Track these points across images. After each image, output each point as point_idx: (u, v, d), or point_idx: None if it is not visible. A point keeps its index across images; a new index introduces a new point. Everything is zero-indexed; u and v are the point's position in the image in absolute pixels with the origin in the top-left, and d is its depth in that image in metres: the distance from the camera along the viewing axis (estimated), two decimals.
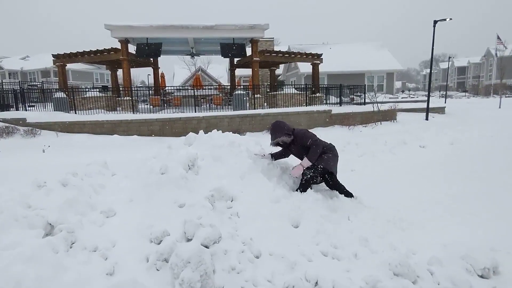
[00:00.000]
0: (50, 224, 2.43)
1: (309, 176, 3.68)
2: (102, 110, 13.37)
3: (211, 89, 18.62)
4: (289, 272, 2.33)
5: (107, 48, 14.22)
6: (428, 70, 17.24)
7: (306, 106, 14.81)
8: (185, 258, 1.96)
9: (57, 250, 2.15)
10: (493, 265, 2.47)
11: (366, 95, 16.51)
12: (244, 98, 13.94)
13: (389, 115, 14.40)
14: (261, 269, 2.34)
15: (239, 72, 26.26)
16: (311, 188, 3.74)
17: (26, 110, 13.38)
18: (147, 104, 16.58)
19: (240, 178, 3.50)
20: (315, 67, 16.81)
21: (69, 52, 14.51)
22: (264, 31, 14.06)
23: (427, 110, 15.28)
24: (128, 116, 12.00)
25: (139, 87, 18.81)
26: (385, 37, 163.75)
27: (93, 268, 2.15)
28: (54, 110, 12.90)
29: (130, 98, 13.70)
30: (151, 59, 17.72)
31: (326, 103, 16.05)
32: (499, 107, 21.15)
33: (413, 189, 4.83)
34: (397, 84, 50.86)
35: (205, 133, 4.18)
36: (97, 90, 15.04)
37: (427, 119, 14.98)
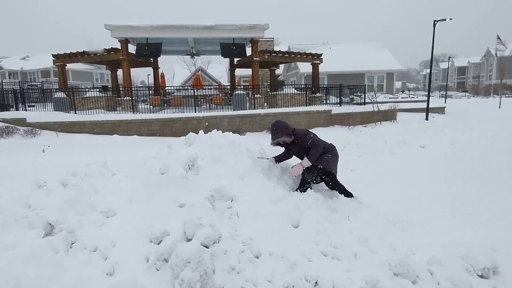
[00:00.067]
0: (50, 224, 2.43)
1: (308, 175, 3.68)
2: (102, 110, 13.37)
3: (211, 89, 18.63)
4: (289, 272, 2.33)
5: (107, 48, 14.22)
6: (428, 70, 17.25)
7: (306, 106, 14.81)
8: (185, 258, 1.96)
9: (57, 250, 2.15)
10: (493, 265, 2.47)
11: (366, 95, 16.51)
12: (244, 98, 13.94)
13: (389, 115, 14.40)
14: (261, 269, 2.34)
15: (239, 72, 26.25)
16: (311, 188, 3.74)
17: (26, 110, 13.38)
18: (147, 104, 16.59)
19: (240, 178, 3.50)
20: (315, 67, 16.81)
21: (69, 52, 14.51)
22: (264, 31, 14.06)
23: (427, 110, 15.28)
24: (128, 116, 12.01)
25: (139, 87, 18.82)
26: (385, 37, 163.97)
27: (93, 268, 2.15)
28: (54, 110, 12.90)
29: (130, 98, 13.70)
30: (151, 59, 17.72)
31: (326, 103, 16.05)
32: (499, 107, 21.15)
33: (413, 189, 4.84)
34: (397, 84, 50.86)
35: (205, 133, 4.18)
36: (97, 90, 15.04)
37: (427, 119, 14.98)
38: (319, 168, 3.71)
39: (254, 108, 13.95)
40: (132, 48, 15.10)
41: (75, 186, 2.99)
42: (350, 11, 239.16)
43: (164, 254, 2.20)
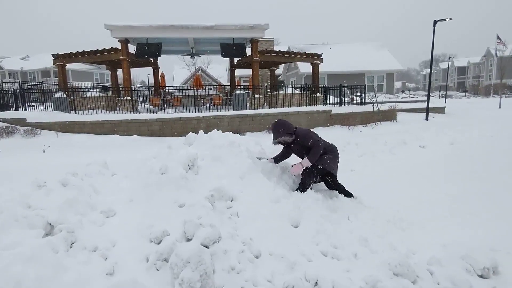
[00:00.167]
0: (50, 224, 2.43)
1: (308, 175, 3.68)
2: (102, 110, 13.37)
3: (211, 89, 18.63)
4: (289, 272, 2.33)
5: (107, 48, 14.22)
6: (428, 70, 17.25)
7: (306, 106, 14.81)
8: (185, 258, 1.96)
9: (57, 250, 2.15)
10: (493, 265, 2.47)
11: (366, 95, 16.51)
12: (244, 98, 13.94)
13: (389, 115, 14.40)
14: (261, 269, 2.34)
15: (239, 72, 26.26)
16: (311, 188, 3.74)
17: (26, 110, 13.38)
18: (147, 104, 16.58)
19: (240, 178, 3.50)
20: (315, 67, 16.81)
21: (69, 52, 14.51)
22: (264, 31, 14.06)
23: (427, 110, 15.28)
24: (128, 116, 12.00)
25: (139, 87, 18.82)
26: (385, 37, 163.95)
27: (93, 268, 2.15)
28: (54, 110, 12.90)
29: (130, 98, 13.70)
30: (151, 59, 17.72)
31: (326, 103, 16.05)
32: (499, 107, 21.15)
33: (413, 189, 4.83)
34: (397, 84, 50.86)
35: (205, 133, 4.18)
36: (97, 90, 15.04)
37: (427, 119, 14.98)
38: (319, 168, 3.71)
39: (254, 108, 13.95)
40: (132, 48, 15.10)
41: (75, 186, 2.99)
42: (350, 11, 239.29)
43: (164, 254, 2.20)
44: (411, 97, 32.41)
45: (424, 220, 3.65)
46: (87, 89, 14.79)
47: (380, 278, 2.25)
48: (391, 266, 2.36)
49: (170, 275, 2.02)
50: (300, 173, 3.76)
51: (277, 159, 4.03)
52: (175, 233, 2.42)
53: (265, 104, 14.99)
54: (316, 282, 2.20)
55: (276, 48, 30.27)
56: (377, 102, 14.84)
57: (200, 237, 2.23)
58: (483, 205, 4.04)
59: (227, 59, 23.16)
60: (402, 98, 29.37)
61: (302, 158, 3.79)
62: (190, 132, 4.23)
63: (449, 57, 46.95)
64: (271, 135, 3.94)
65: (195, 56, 20.74)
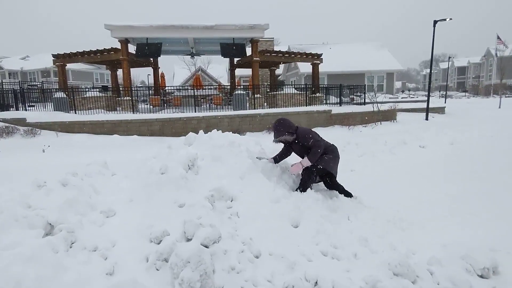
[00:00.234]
0: (50, 224, 2.43)
1: (308, 175, 3.67)
2: (102, 110, 13.37)
3: (211, 89, 18.63)
4: (289, 272, 2.33)
5: (107, 48, 14.22)
6: (428, 70, 17.25)
7: (306, 106, 14.81)
8: (184, 258, 1.96)
9: (57, 250, 2.15)
10: (493, 265, 2.47)
11: (366, 95, 16.51)
12: (244, 98, 13.94)
13: (389, 115, 14.40)
14: (261, 269, 2.34)
15: (239, 72, 26.25)
16: (311, 188, 3.74)
17: (26, 110, 13.38)
18: (147, 104, 16.58)
19: (240, 178, 3.50)
20: (315, 67, 16.81)
21: (69, 52, 14.51)
22: (264, 31, 14.06)
23: (427, 110, 15.28)
24: (128, 116, 12.01)
25: (139, 87, 18.82)
26: (385, 37, 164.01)
27: (93, 268, 2.15)
28: (54, 110, 12.90)
29: (130, 98, 13.70)
30: (151, 59, 17.72)
31: (326, 103, 16.05)
32: (499, 107, 21.15)
33: (413, 189, 4.83)
34: (397, 84, 50.86)
35: (205, 133, 4.18)
36: (97, 90, 15.04)
37: (427, 119, 14.98)
38: (319, 168, 3.70)
39: (254, 108, 13.95)
40: (132, 48, 15.10)
41: (75, 186, 2.99)
42: (350, 11, 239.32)
43: (164, 254, 2.20)
44: (411, 97, 32.42)
45: (424, 220, 3.65)
46: (87, 89, 14.79)
47: (380, 278, 2.25)
48: (391, 266, 2.36)
49: (170, 275, 2.02)
50: (300, 172, 3.76)
51: (277, 159, 4.02)
52: (175, 233, 2.42)
53: (265, 104, 14.99)
54: (316, 282, 2.20)
55: (276, 48, 30.27)
56: (377, 102, 14.85)
57: (200, 237, 2.23)
58: (483, 205, 4.04)
59: (227, 59, 23.16)
60: (402, 98, 29.38)
61: (302, 158, 3.79)
62: (190, 132, 4.23)
63: (449, 57, 46.96)
64: (272, 133, 3.93)
65: (195, 56, 20.73)
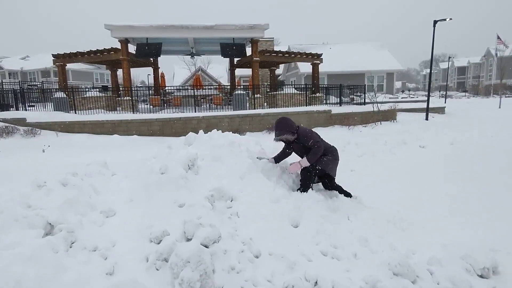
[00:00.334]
0: (50, 224, 2.43)
1: (307, 175, 3.68)
2: (102, 110, 13.37)
3: (211, 89, 18.63)
4: (288, 272, 2.33)
5: (107, 48, 14.22)
6: (428, 70, 17.25)
7: (306, 106, 14.81)
8: (184, 258, 1.96)
9: (57, 250, 2.15)
10: (493, 265, 2.47)
11: (366, 95, 16.51)
12: (244, 98, 13.94)
13: (389, 115, 14.40)
14: (260, 269, 2.34)
15: (239, 72, 26.26)
16: (312, 188, 3.74)
17: (26, 110, 13.39)
18: (147, 104, 16.59)
19: (240, 178, 3.50)
20: (315, 67, 16.81)
21: (69, 52, 14.51)
22: (264, 31, 14.06)
23: (427, 110, 15.28)
24: (128, 116, 12.01)
25: (139, 87, 18.81)
26: (385, 37, 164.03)
27: (93, 268, 2.15)
28: (54, 110, 12.90)
29: (130, 98, 13.70)
30: (151, 59, 17.72)
31: (326, 103, 16.05)
32: (499, 107, 21.15)
33: (413, 189, 4.84)
34: (397, 84, 50.87)
35: (205, 133, 4.18)
36: (97, 90, 15.04)
37: (427, 119, 14.97)
38: (318, 169, 3.70)
39: (254, 108, 13.95)
40: (132, 48, 15.10)
41: (75, 186, 2.99)
42: (350, 11, 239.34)
43: (164, 254, 2.20)
44: (411, 97, 32.41)
45: (424, 220, 3.65)
46: (87, 89, 14.79)
47: (380, 278, 2.25)
48: (391, 266, 2.36)
49: (170, 275, 2.02)
50: (299, 172, 3.76)
51: (277, 159, 4.03)
52: (175, 233, 2.42)
53: (265, 104, 14.99)
54: (316, 282, 2.20)
55: (276, 48, 30.27)
56: (377, 102, 14.84)
57: (200, 237, 2.23)
58: (483, 205, 4.05)
59: (227, 59, 23.16)
60: (402, 98, 29.37)
61: (302, 158, 3.79)
62: (190, 132, 4.23)
63: (449, 57, 46.95)
64: (273, 132, 3.94)
65: (195, 56, 20.73)
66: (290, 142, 3.89)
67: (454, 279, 2.32)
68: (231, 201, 3.14)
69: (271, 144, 4.21)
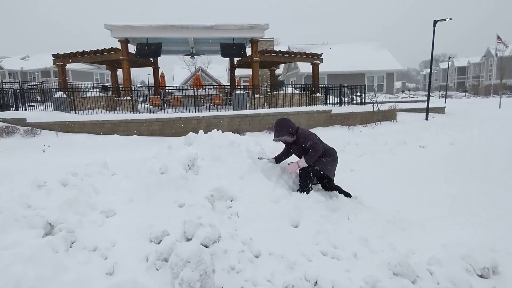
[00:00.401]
0: (50, 224, 2.43)
1: (306, 176, 3.68)
2: (102, 110, 13.37)
3: (211, 89, 18.63)
4: (288, 272, 2.33)
5: (107, 48, 14.22)
6: (428, 70, 17.25)
7: (306, 106, 14.81)
8: (184, 258, 1.96)
9: (57, 250, 2.15)
10: (493, 265, 2.47)
11: (366, 95, 16.51)
12: (244, 98, 13.94)
13: (389, 115, 14.40)
14: (260, 269, 2.34)
15: (239, 72, 26.25)
16: (312, 189, 3.74)
17: (26, 110, 13.39)
18: (147, 104, 16.59)
19: (240, 178, 3.50)
20: (315, 67, 16.81)
21: (69, 52, 14.51)
22: (264, 31, 14.06)
23: (427, 110, 15.28)
24: (128, 116, 12.01)
25: (139, 87, 18.82)
26: (385, 37, 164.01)
27: (93, 268, 2.15)
28: (54, 110, 12.90)
29: (130, 98, 13.70)
30: (151, 59, 17.72)
31: (326, 103, 16.05)
32: (499, 107, 21.15)
33: (413, 189, 4.84)
34: (397, 84, 50.87)
35: (205, 133, 4.18)
36: (97, 90, 15.04)
37: (427, 119, 14.98)
38: (316, 170, 3.70)
39: (254, 108, 13.95)
40: (132, 48, 15.10)
41: (75, 186, 2.99)
42: (350, 11, 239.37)
43: (164, 254, 2.20)
44: (411, 97, 32.41)
45: (424, 220, 3.65)
46: (87, 89, 14.79)
47: (380, 278, 2.25)
48: (391, 266, 2.36)
49: (170, 275, 2.03)
50: (297, 172, 3.77)
51: (278, 159, 4.03)
52: (175, 233, 2.42)
53: (265, 104, 14.99)
54: (316, 282, 2.20)
55: (276, 48, 30.27)
56: (377, 102, 14.85)
57: (200, 237, 2.23)
58: (483, 205, 4.05)
59: (227, 59, 23.16)
60: (402, 98, 29.37)
61: (301, 159, 3.79)
62: (190, 132, 4.23)
63: (449, 57, 46.96)
64: (273, 132, 3.94)
65: (195, 56, 20.73)
66: (289, 143, 3.90)
67: (454, 279, 2.32)
68: (231, 201, 3.14)
69: (271, 144, 4.22)
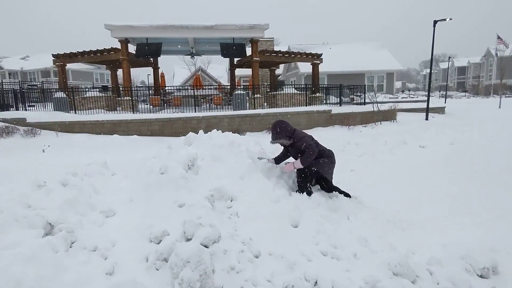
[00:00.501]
0: (50, 224, 2.43)
1: (302, 177, 3.69)
2: (102, 110, 13.37)
3: (211, 89, 18.62)
4: (288, 272, 2.33)
5: (107, 48, 14.22)
6: (428, 70, 17.25)
7: (306, 106, 14.80)
8: (184, 258, 1.96)
9: (57, 250, 2.15)
10: (493, 265, 2.47)
11: (366, 95, 16.51)
12: (244, 98, 13.94)
13: (389, 115, 14.40)
14: (260, 269, 2.34)
15: (239, 72, 26.24)
16: (310, 189, 3.74)
17: (26, 110, 13.38)
18: (147, 104, 16.58)
19: (240, 178, 3.50)
20: (315, 67, 16.80)
21: (69, 52, 14.51)
22: (264, 31, 14.06)
23: (427, 110, 15.28)
24: (128, 116, 12.01)
25: (139, 87, 18.81)
26: (385, 37, 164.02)
27: (93, 268, 2.15)
28: (54, 110, 12.90)
29: (130, 98, 13.70)
30: (151, 59, 17.72)
31: (326, 103, 16.05)
32: (499, 107, 21.16)
33: (413, 189, 4.84)
34: (397, 84, 50.87)
35: (205, 133, 4.18)
36: (97, 90, 15.04)
37: (427, 119, 14.98)
38: (313, 170, 3.70)
39: (254, 108, 13.95)
40: (132, 48, 15.10)
41: (75, 186, 2.99)
42: (350, 11, 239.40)
43: (164, 254, 2.20)
44: (411, 97, 32.41)
45: (424, 220, 3.65)
46: (87, 89, 14.78)
47: (380, 278, 2.25)
48: (390, 266, 2.36)
49: (170, 275, 2.03)
50: (295, 171, 3.77)
51: (278, 160, 4.03)
52: (175, 233, 2.42)
53: (265, 104, 14.99)
54: (316, 282, 2.20)
55: (276, 48, 30.26)
56: (377, 102, 14.85)
57: (199, 237, 2.23)
58: (483, 205, 4.05)
59: (227, 59, 23.15)
60: (402, 98, 29.37)
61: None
62: (190, 132, 4.23)
63: (449, 57, 46.95)
64: (270, 134, 3.95)
65: (195, 56, 20.72)
66: (286, 146, 3.90)
67: (454, 279, 2.32)
68: (231, 201, 3.14)
69: (270, 144, 4.22)
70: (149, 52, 14.35)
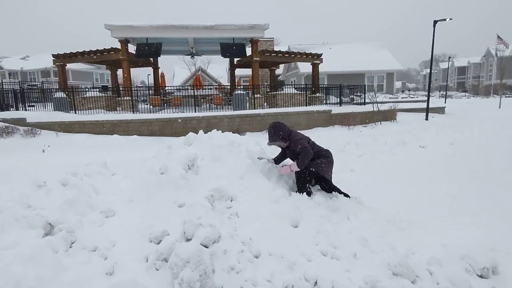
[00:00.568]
0: (50, 224, 2.43)
1: (300, 178, 3.68)
2: (102, 110, 13.37)
3: (211, 89, 18.62)
4: (288, 272, 2.33)
5: (107, 48, 14.22)
6: (428, 70, 17.25)
7: (306, 106, 14.80)
8: (184, 258, 1.96)
9: (57, 250, 2.15)
10: (493, 265, 2.47)
11: (366, 95, 16.51)
12: (244, 98, 13.94)
13: (389, 115, 14.40)
14: (260, 269, 2.34)
15: (239, 72, 26.25)
16: (310, 189, 3.74)
17: (26, 110, 13.38)
18: (147, 104, 16.59)
19: (240, 178, 3.50)
20: (315, 67, 16.80)
21: (69, 52, 14.51)
22: (264, 31, 14.06)
23: (427, 110, 15.28)
24: (128, 116, 12.01)
25: (139, 87, 18.81)
26: (385, 37, 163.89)
27: (93, 268, 2.15)
28: (54, 110, 12.90)
29: (130, 98, 13.70)
30: (151, 59, 17.72)
31: (326, 103, 16.05)
32: (499, 107, 21.15)
33: (413, 189, 4.84)
34: (397, 84, 50.88)
35: (205, 133, 4.18)
36: (97, 90, 15.04)
37: (427, 119, 14.98)
38: (311, 171, 3.70)
39: (254, 108, 13.95)
40: (132, 48, 15.10)
41: (75, 186, 2.99)
42: (350, 11, 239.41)
43: (164, 254, 2.20)
44: (411, 97, 32.42)
45: (424, 220, 3.65)
46: (87, 89, 14.78)
47: (380, 278, 2.25)
48: (390, 266, 2.36)
49: (170, 275, 2.03)
50: (295, 177, 3.78)
51: (277, 160, 4.03)
52: (175, 233, 2.42)
53: (265, 104, 14.99)
54: (316, 282, 2.20)
55: (276, 48, 30.27)
56: (377, 102, 14.85)
57: (199, 237, 2.23)
58: (483, 205, 4.05)
59: (227, 59, 23.16)
60: (402, 98, 29.38)
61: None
62: (190, 132, 4.23)
63: (449, 57, 46.96)
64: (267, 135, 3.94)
65: (195, 56, 20.72)
66: (283, 148, 3.90)
67: (453, 279, 2.32)
68: (231, 201, 3.14)
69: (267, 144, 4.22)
70: (149, 52, 14.36)
